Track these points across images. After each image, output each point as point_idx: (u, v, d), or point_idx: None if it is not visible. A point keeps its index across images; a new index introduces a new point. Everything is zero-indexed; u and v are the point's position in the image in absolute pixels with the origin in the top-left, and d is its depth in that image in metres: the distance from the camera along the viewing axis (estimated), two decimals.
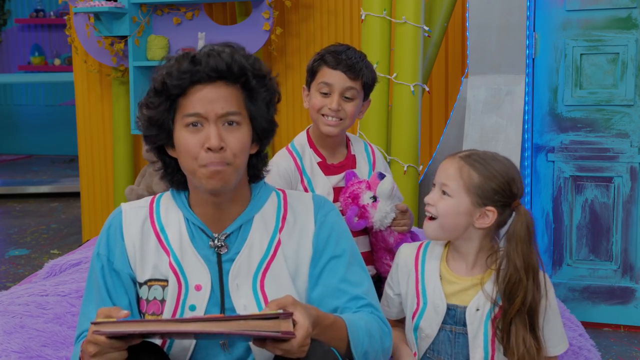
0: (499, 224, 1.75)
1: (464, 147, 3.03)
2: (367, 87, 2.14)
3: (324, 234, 1.60)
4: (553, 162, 3.20)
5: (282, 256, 1.56)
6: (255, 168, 1.60)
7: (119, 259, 1.55)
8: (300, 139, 2.21)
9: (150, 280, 1.55)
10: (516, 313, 1.68)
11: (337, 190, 2.16)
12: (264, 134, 1.57)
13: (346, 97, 2.09)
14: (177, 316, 1.52)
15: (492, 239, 1.78)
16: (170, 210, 1.60)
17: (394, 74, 3.20)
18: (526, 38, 3.05)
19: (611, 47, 3.09)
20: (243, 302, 1.53)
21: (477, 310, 1.73)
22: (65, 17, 4.54)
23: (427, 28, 3.23)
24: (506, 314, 1.70)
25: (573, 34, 3.12)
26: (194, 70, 1.47)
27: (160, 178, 1.62)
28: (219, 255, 1.55)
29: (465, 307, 1.74)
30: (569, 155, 3.17)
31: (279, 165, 2.12)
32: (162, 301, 1.54)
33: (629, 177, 3.11)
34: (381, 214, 2.09)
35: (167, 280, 1.54)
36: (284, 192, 1.66)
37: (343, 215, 2.09)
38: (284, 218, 1.60)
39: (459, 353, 1.75)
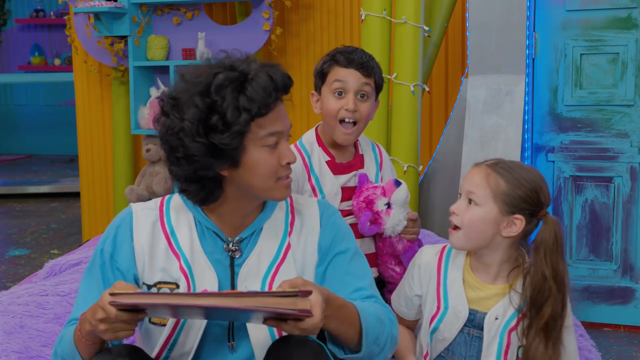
0: (525, 234, 1.74)
1: (464, 147, 3.03)
2: (378, 87, 2.12)
3: (328, 234, 1.62)
4: (553, 162, 3.20)
5: (292, 259, 1.58)
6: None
7: (124, 259, 1.55)
8: (309, 137, 2.18)
9: (159, 282, 1.54)
10: (544, 324, 1.67)
11: (345, 190, 2.14)
12: None
13: (361, 96, 2.06)
14: (183, 320, 1.52)
15: (517, 249, 1.77)
16: (181, 213, 1.59)
17: (394, 74, 3.20)
18: (526, 38, 3.05)
19: (611, 47, 3.09)
20: None
21: (496, 319, 1.73)
22: (65, 17, 4.54)
23: (427, 28, 3.23)
24: (532, 324, 1.68)
25: (573, 34, 3.12)
26: (273, 87, 1.46)
27: (181, 191, 1.55)
28: (232, 259, 1.56)
29: (485, 313, 1.74)
30: (569, 155, 3.17)
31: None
32: None
33: (629, 177, 3.11)
34: (394, 221, 2.08)
35: (176, 283, 1.53)
36: (290, 197, 1.67)
37: (356, 218, 2.10)
38: (292, 223, 1.62)
39: (473, 356, 1.75)
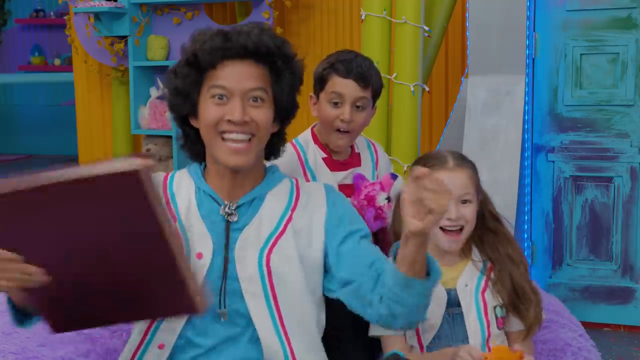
0: None
1: (464, 147, 3.02)
2: (376, 96, 2.12)
3: (336, 213, 1.62)
4: (553, 162, 3.20)
5: (292, 231, 1.58)
6: (274, 147, 1.66)
7: None
8: (305, 136, 2.18)
9: None
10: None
11: (342, 188, 2.14)
12: (285, 114, 1.64)
13: (357, 107, 2.06)
14: None
15: None
16: (183, 180, 1.64)
17: (394, 74, 3.20)
18: (526, 38, 3.05)
19: (611, 47, 3.09)
20: (249, 273, 1.53)
21: (466, 285, 1.79)
22: (65, 17, 4.54)
23: (427, 28, 3.23)
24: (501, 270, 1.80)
25: (573, 34, 3.12)
26: (226, 46, 1.52)
27: (180, 147, 1.67)
28: (227, 223, 1.56)
29: (455, 288, 1.79)
30: (569, 155, 3.17)
31: (281, 156, 2.11)
32: None
33: (629, 177, 3.11)
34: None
35: None
36: (296, 179, 1.70)
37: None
38: (297, 199, 1.64)
39: (459, 332, 1.77)
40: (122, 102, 4.35)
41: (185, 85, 1.56)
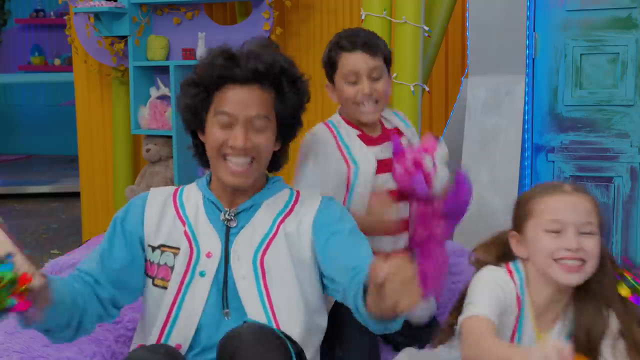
0: None
1: (464, 147, 3.03)
2: (388, 62, 2.10)
3: (325, 215, 1.68)
4: (553, 162, 3.20)
5: (284, 234, 1.65)
6: (277, 162, 1.73)
7: (133, 221, 1.68)
8: (335, 117, 2.16)
9: (163, 245, 1.65)
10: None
11: (380, 163, 2.09)
12: (288, 133, 1.71)
13: (373, 78, 2.05)
14: (187, 282, 1.62)
15: None
16: (192, 192, 1.73)
17: (394, 74, 3.20)
18: (526, 38, 3.05)
19: (611, 47, 3.09)
20: (242, 272, 1.62)
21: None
22: (65, 17, 4.54)
23: (427, 28, 3.23)
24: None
25: (573, 34, 3.12)
26: (231, 74, 1.59)
27: (193, 155, 1.76)
28: (227, 228, 1.66)
29: None
30: (569, 155, 3.17)
31: (314, 133, 2.09)
32: (172, 268, 1.63)
33: (629, 177, 3.11)
34: (441, 179, 1.93)
35: (178, 248, 1.64)
36: (298, 191, 1.76)
37: (403, 183, 1.91)
38: (293, 206, 1.71)
39: None
40: (122, 102, 4.35)
41: (194, 103, 1.63)
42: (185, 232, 1.65)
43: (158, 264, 1.65)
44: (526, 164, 3.12)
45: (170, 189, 1.76)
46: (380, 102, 2.06)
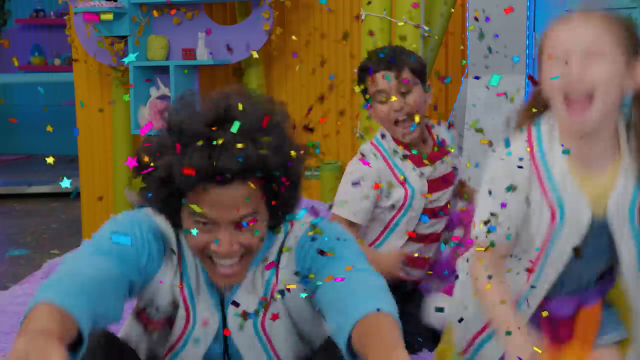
0: None
1: (463, 147, 3.02)
2: (419, 72, 2.11)
3: (303, 261, 1.46)
4: None
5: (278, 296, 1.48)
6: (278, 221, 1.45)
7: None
8: (382, 136, 2.18)
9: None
10: None
11: (431, 183, 2.13)
12: (284, 212, 1.43)
13: (402, 93, 2.07)
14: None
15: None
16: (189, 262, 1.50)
17: None
18: (526, 38, 3.04)
19: None
20: (247, 342, 1.51)
21: (619, 205, 1.35)
22: (65, 17, 4.54)
23: (427, 28, 3.22)
24: None
25: None
26: (205, 170, 1.27)
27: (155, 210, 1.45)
28: (222, 297, 1.50)
29: (606, 211, 1.34)
30: None
31: (363, 169, 2.09)
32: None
33: None
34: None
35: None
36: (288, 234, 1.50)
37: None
38: (279, 261, 1.49)
39: (592, 271, 1.36)
40: (122, 102, 4.34)
41: (160, 202, 1.36)
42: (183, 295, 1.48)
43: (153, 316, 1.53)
44: None
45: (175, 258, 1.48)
46: (416, 116, 2.06)
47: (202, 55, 3.93)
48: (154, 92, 4.12)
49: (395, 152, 2.12)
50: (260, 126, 1.30)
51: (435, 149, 2.18)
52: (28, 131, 8.54)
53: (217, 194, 1.29)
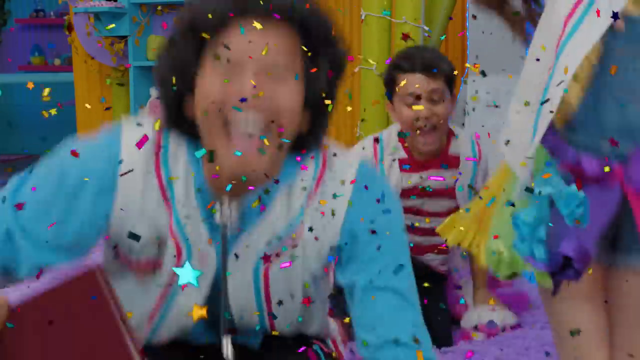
0: None
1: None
2: (450, 83, 2.03)
3: (358, 214, 1.19)
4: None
5: (301, 248, 1.19)
6: (304, 145, 1.18)
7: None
8: (391, 132, 2.11)
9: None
10: None
11: (405, 191, 2.05)
12: (319, 108, 1.17)
13: (433, 100, 1.98)
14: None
15: None
16: (180, 159, 1.21)
17: None
18: (526, 38, 3.05)
19: None
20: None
21: None
22: (65, 17, 4.54)
23: (427, 28, 3.22)
24: None
25: None
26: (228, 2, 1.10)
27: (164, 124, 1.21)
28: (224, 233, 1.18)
29: None
30: None
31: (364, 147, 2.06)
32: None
33: None
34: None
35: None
36: (325, 156, 1.22)
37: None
38: (317, 184, 1.20)
39: None
40: (122, 102, 4.35)
41: (187, 56, 1.16)
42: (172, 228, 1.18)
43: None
44: None
45: (150, 147, 1.20)
46: (439, 129, 2.00)
47: None
48: (154, 92, 4.12)
49: (395, 149, 2.08)
50: None
51: (445, 166, 2.07)
52: (28, 131, 8.55)
53: (246, 29, 1.10)
